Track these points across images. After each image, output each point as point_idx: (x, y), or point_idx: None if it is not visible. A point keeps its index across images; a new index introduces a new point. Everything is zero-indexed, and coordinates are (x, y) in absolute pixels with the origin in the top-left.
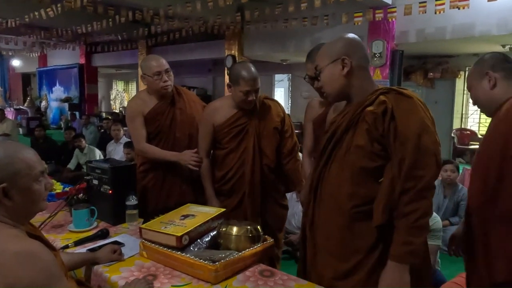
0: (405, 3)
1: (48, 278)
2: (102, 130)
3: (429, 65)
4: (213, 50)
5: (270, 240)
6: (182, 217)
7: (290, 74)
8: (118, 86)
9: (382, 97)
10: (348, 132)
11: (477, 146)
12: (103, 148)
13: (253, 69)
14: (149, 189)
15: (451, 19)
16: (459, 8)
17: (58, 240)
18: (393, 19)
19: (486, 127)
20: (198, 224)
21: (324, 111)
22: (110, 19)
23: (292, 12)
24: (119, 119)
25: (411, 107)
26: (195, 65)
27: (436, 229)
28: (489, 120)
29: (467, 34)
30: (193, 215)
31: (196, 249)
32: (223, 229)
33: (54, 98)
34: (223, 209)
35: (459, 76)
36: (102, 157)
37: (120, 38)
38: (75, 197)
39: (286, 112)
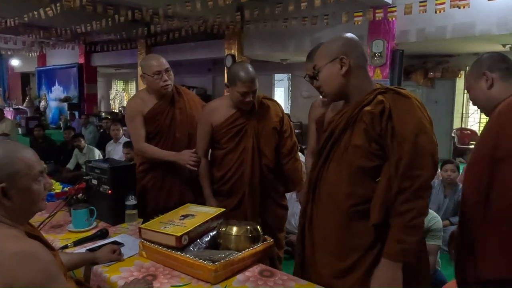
0: (405, 2)
1: (47, 278)
2: (102, 130)
3: (430, 65)
4: (213, 49)
5: (270, 240)
6: (182, 217)
7: (290, 74)
8: (117, 86)
9: (380, 97)
10: (346, 131)
11: None
12: (102, 148)
13: (251, 70)
14: (148, 189)
15: (451, 18)
16: (459, 8)
17: (57, 240)
18: (393, 19)
19: None
20: (198, 224)
21: (326, 111)
22: (109, 19)
23: (292, 12)
24: (118, 118)
25: (408, 107)
26: (195, 64)
27: (437, 229)
28: None
29: (468, 34)
30: (192, 215)
31: (195, 249)
32: (223, 229)
33: (53, 98)
34: (222, 209)
35: (459, 75)
36: (101, 157)
37: (119, 38)
38: (74, 197)
39: (286, 111)
